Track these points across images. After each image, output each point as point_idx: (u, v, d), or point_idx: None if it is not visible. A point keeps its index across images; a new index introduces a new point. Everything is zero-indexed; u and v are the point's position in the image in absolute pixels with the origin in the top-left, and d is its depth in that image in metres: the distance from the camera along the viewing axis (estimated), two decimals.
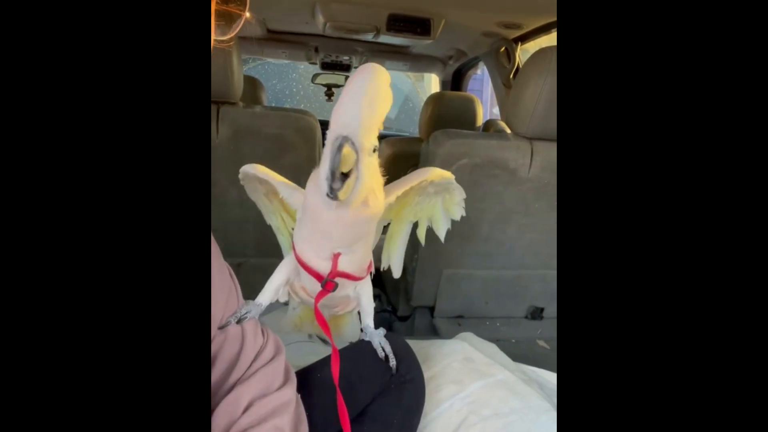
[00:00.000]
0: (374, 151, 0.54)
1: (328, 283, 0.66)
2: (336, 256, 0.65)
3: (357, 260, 0.68)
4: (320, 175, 0.55)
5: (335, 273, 0.66)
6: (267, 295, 0.71)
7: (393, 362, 0.70)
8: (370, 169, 0.56)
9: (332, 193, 0.53)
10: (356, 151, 0.52)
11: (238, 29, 0.40)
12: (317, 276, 0.66)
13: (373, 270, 0.77)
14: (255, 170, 0.74)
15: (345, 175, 0.53)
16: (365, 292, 0.76)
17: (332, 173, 0.52)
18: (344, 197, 0.54)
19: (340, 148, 0.51)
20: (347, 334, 0.87)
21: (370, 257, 0.73)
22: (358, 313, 0.81)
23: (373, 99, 0.51)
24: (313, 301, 0.70)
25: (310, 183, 0.62)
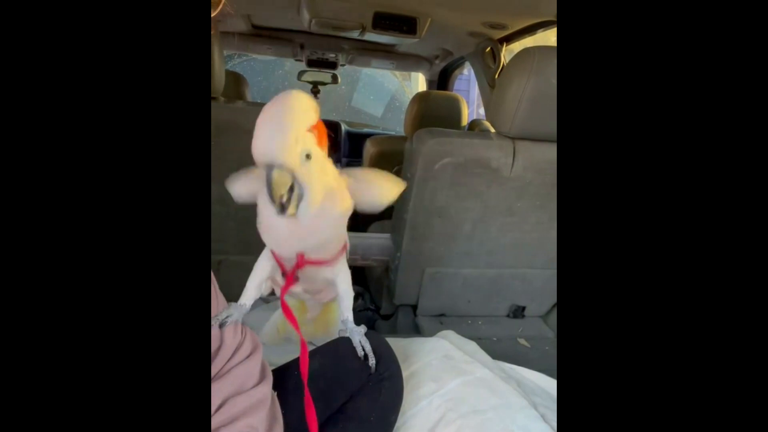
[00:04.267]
0: (308, 157, 0.56)
1: (288, 277, 0.67)
2: (300, 255, 0.66)
3: (328, 249, 0.69)
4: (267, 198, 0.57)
5: (301, 264, 0.66)
6: (250, 293, 0.69)
7: (372, 362, 0.69)
8: (313, 175, 0.57)
9: (282, 212, 0.56)
10: (287, 171, 0.55)
11: (218, 10, 0.39)
12: (282, 268, 0.66)
13: (348, 250, 0.76)
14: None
15: (292, 189, 0.56)
16: (342, 278, 0.74)
17: (273, 199, 0.55)
18: (294, 212, 0.57)
19: (269, 176, 0.54)
20: (334, 332, 0.83)
21: (343, 240, 0.73)
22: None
23: (280, 119, 0.54)
24: (297, 292, 0.70)
25: (261, 196, 0.62)
